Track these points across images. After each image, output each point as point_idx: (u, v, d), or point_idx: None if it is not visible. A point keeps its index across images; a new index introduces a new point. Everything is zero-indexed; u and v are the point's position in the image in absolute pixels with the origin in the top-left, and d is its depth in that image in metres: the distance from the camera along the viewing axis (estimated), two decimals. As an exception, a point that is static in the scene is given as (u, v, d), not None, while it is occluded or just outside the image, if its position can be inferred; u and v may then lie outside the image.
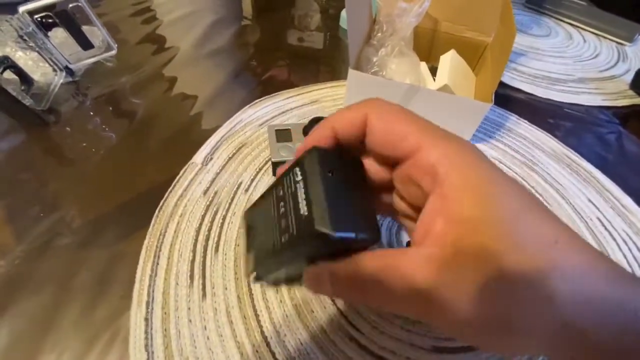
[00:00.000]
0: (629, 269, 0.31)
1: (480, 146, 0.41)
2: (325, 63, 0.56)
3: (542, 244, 0.12)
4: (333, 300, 0.27)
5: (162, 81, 0.48)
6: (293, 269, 0.19)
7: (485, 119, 0.43)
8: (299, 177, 0.16)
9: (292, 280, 0.21)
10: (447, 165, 0.14)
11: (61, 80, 0.43)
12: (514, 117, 0.46)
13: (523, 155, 0.41)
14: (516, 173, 0.39)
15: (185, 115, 0.43)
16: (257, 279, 0.20)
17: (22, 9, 0.37)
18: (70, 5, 0.40)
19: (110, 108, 0.43)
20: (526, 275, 0.12)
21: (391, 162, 0.17)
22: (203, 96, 0.46)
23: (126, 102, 0.44)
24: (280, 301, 0.27)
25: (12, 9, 0.38)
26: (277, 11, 0.70)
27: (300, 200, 0.16)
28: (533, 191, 0.37)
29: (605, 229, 0.34)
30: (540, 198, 0.36)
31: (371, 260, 0.15)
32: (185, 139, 0.39)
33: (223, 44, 0.57)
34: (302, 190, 0.16)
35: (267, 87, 0.48)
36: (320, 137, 0.17)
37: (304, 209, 0.15)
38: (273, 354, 0.24)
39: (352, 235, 0.15)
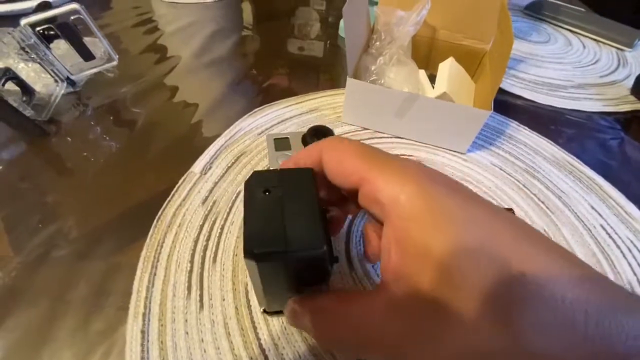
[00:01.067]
0: (633, 278, 0.30)
1: (481, 153, 0.41)
2: (325, 71, 0.56)
3: (499, 271, 0.12)
4: (332, 311, 0.27)
5: (162, 90, 0.48)
6: (277, 295, 0.21)
7: (485, 125, 0.43)
8: (244, 199, 0.19)
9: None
10: (390, 196, 0.14)
11: (62, 91, 0.44)
12: (514, 124, 0.46)
13: (524, 162, 0.40)
14: (517, 180, 0.38)
15: (185, 124, 0.43)
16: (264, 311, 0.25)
17: (23, 21, 0.38)
18: (72, 18, 0.40)
19: (111, 118, 0.43)
20: (480, 317, 0.11)
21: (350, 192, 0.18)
22: (203, 105, 0.46)
23: (126, 111, 0.45)
24: (279, 312, 0.26)
25: (14, 21, 0.39)
26: (277, 20, 0.71)
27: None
28: (535, 199, 0.36)
29: (609, 236, 0.34)
30: (542, 205, 0.36)
31: (332, 301, 0.17)
32: (185, 148, 0.39)
33: (224, 53, 0.58)
34: (244, 211, 0.18)
35: (268, 96, 0.48)
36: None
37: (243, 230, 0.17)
38: (271, 367, 0.24)
39: (278, 249, 0.16)
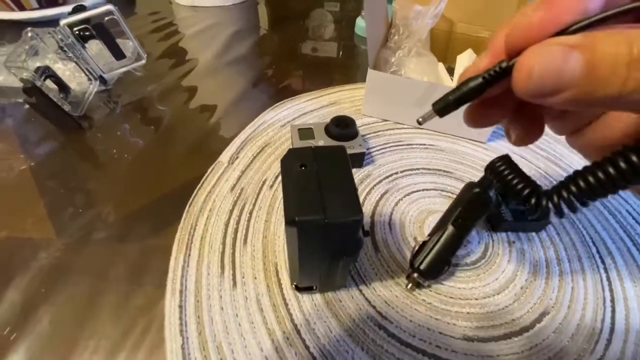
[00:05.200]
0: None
1: (502, 142, 0.41)
2: (340, 71, 0.58)
3: None
4: (360, 290, 0.27)
5: (186, 89, 0.50)
6: (310, 268, 0.23)
7: (505, 115, 0.43)
8: (282, 172, 0.20)
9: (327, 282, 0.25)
10: None
11: (95, 89, 0.46)
12: (534, 114, 0.46)
13: (545, 150, 0.41)
14: (539, 167, 0.38)
15: (210, 120, 0.44)
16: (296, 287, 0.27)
17: (63, 22, 0.40)
18: (106, 18, 0.42)
19: (139, 115, 0.45)
20: None
21: None
22: (227, 101, 0.48)
23: (153, 109, 0.46)
24: (309, 290, 0.27)
25: (50, 26, 0.41)
26: (293, 22, 0.73)
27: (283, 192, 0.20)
28: (557, 185, 0.37)
29: (635, 221, 0.33)
30: (566, 192, 0.36)
31: None
32: (212, 141, 0.41)
33: (243, 53, 0.60)
34: (282, 183, 0.20)
35: (288, 91, 0.50)
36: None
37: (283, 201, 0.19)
38: (304, 340, 0.25)
39: (318, 217, 0.17)
